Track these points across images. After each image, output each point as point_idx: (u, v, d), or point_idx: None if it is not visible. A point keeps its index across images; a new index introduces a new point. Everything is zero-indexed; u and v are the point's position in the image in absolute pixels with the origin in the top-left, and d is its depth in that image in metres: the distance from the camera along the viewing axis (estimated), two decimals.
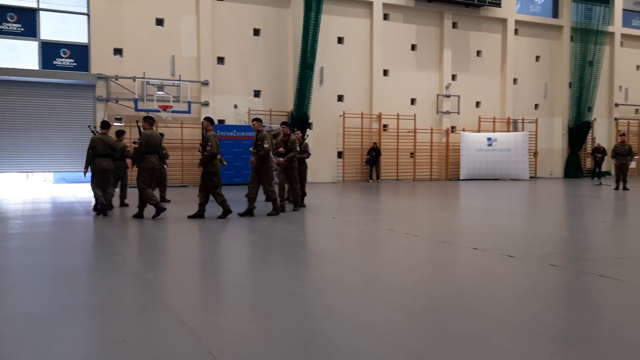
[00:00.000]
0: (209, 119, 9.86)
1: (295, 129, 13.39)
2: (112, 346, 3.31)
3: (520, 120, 25.70)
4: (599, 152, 24.45)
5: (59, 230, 8.49)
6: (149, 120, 9.81)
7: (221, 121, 20.00)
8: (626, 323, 3.75)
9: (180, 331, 3.56)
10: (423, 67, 23.76)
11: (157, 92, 18.85)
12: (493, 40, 25.21)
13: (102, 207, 10.08)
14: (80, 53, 18.69)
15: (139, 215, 9.58)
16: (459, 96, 24.28)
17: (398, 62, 23.24)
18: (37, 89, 18.23)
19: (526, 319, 3.84)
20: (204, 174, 9.65)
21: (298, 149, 10.97)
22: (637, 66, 29.02)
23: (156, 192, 11.11)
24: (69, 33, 18.63)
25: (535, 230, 8.65)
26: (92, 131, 10.78)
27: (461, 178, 23.61)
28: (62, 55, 18.47)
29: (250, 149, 10.27)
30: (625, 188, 17.08)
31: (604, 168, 25.94)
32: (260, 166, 10.00)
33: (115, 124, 18.04)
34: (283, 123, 11.06)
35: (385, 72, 23.04)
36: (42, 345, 3.33)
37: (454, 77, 24.35)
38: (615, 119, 28.28)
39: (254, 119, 10.37)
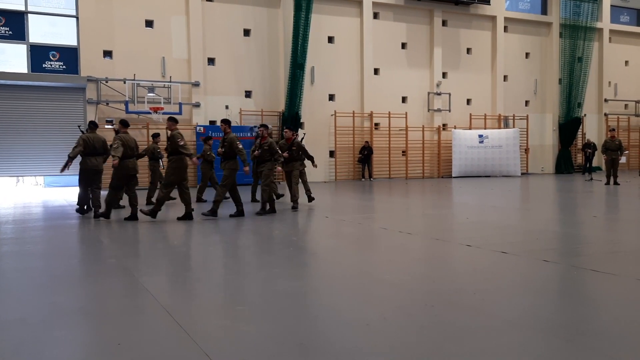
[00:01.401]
0: (172, 119, 9.89)
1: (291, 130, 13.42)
2: (108, 349, 3.31)
3: (511, 117, 25.82)
4: (589, 147, 24.62)
5: (51, 234, 8.45)
6: (91, 125, 10.70)
7: (212, 122, 19.97)
8: (620, 317, 3.79)
9: (175, 333, 3.56)
10: (414, 65, 23.82)
11: (148, 94, 18.76)
12: (483, 38, 25.31)
13: (80, 208, 10.59)
14: (69, 56, 18.57)
15: (105, 215, 9.81)
16: (449, 94, 24.36)
17: (389, 61, 23.28)
18: (26, 93, 18.10)
19: (521, 314, 3.87)
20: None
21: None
22: (626, 62, 29.24)
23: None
24: (58, 36, 18.51)
25: (528, 226, 8.70)
26: (82, 131, 11.02)
27: (453, 175, 23.69)
28: (52, 58, 18.36)
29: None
30: (615, 183, 17.22)
31: (594, 163, 26.13)
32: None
33: (106, 126, 17.99)
34: (287, 127, 11.29)
35: (376, 71, 23.08)
36: (39, 350, 3.32)
37: (444, 74, 24.43)
38: (605, 115, 28.47)
39: (261, 125, 10.73)
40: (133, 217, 9.60)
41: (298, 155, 11.48)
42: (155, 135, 13.27)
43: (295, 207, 11.02)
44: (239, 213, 9.86)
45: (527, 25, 26.48)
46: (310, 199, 11.81)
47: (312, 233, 8.54)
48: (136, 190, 10.08)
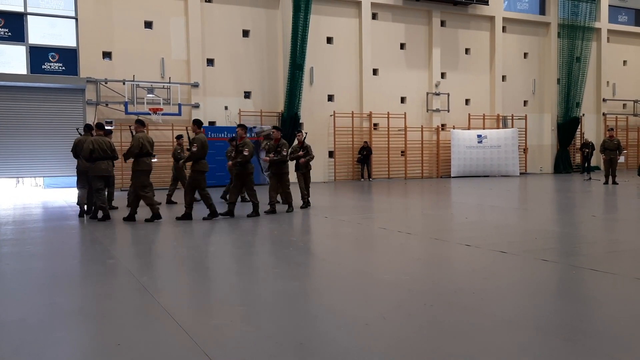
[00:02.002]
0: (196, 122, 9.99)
1: (299, 130, 13.31)
2: (107, 350, 3.32)
3: (510, 117, 25.85)
4: (586, 147, 24.67)
5: (51, 235, 8.45)
6: (85, 128, 10.96)
7: (212, 123, 19.98)
8: (619, 316, 3.80)
9: (175, 333, 3.56)
10: (412, 66, 23.84)
11: (147, 95, 18.76)
12: (481, 38, 25.34)
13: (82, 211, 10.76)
14: (69, 57, 18.57)
15: (104, 219, 9.88)
16: (448, 94, 24.38)
17: (387, 61, 23.30)
18: (26, 94, 18.10)
19: (520, 313, 3.88)
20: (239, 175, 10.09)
21: (285, 153, 10.80)
22: (624, 61, 29.27)
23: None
24: (57, 37, 18.50)
25: (527, 225, 8.72)
26: (80, 134, 11.19)
27: (452, 175, 23.71)
28: (51, 60, 18.36)
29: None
30: (614, 182, 17.24)
31: (592, 163, 26.14)
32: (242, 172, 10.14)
33: (106, 127, 17.96)
34: (274, 127, 10.93)
35: (375, 71, 23.09)
36: (39, 351, 3.32)
37: (443, 75, 24.44)
38: (604, 114, 28.50)
39: (238, 125, 10.47)
40: (93, 217, 10.02)
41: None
42: (179, 137, 13.40)
43: (289, 210, 10.87)
44: (213, 214, 9.77)
45: (526, 26, 26.51)
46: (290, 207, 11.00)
47: (311, 233, 8.55)
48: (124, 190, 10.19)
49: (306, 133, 12.92)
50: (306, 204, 11.49)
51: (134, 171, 9.63)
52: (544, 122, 26.99)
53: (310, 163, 11.92)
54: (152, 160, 9.92)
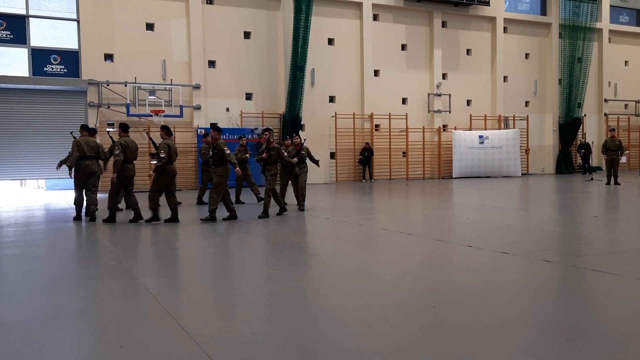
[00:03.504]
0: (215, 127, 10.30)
1: (295, 135, 13.22)
2: (110, 352, 3.32)
3: (511, 118, 25.83)
4: (583, 148, 24.65)
5: (53, 237, 8.47)
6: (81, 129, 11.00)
7: (213, 124, 19.98)
8: (620, 316, 3.80)
9: (178, 335, 3.57)
10: (413, 67, 23.84)
11: (149, 97, 18.78)
12: (482, 39, 25.33)
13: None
14: (70, 59, 18.60)
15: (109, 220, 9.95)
16: (449, 95, 24.37)
17: (388, 62, 23.30)
18: (27, 96, 18.12)
19: (521, 314, 3.88)
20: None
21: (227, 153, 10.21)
22: (626, 62, 29.24)
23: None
24: (59, 39, 18.53)
25: (528, 226, 8.71)
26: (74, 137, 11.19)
27: (454, 176, 23.69)
28: (53, 62, 18.39)
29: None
30: (616, 183, 17.22)
31: (594, 163, 26.09)
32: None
33: (108, 129, 18.00)
34: (213, 126, 10.28)
35: (376, 72, 23.09)
36: (40, 352, 3.33)
37: (444, 76, 24.43)
38: (605, 115, 28.47)
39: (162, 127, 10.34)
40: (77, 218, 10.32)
41: (220, 159, 9.98)
42: (240, 137, 13.92)
43: (301, 208, 11.06)
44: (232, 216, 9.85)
45: (527, 26, 26.49)
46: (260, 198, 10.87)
47: (313, 234, 8.55)
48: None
49: (285, 137, 12.51)
50: (301, 207, 11.28)
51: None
52: (545, 122, 26.96)
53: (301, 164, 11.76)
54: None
